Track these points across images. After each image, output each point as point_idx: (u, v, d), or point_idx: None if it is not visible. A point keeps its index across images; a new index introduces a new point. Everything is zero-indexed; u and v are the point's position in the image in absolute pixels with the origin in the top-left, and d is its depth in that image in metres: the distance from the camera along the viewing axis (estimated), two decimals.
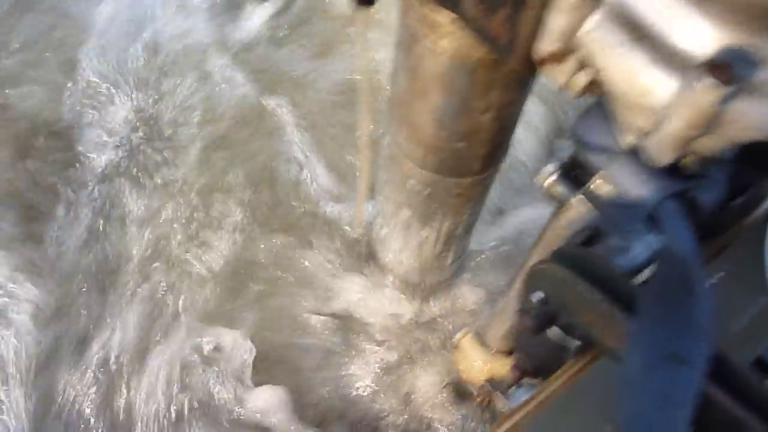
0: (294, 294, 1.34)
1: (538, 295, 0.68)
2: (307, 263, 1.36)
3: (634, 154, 0.66)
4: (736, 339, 0.68)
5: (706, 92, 0.46)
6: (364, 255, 1.32)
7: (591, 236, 0.72)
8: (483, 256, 1.37)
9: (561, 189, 0.75)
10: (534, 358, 0.77)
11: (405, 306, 1.30)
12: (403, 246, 1.18)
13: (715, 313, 0.56)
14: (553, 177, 0.76)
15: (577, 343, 0.70)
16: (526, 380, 0.87)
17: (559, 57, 0.56)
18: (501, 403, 1.21)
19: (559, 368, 0.72)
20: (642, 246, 0.71)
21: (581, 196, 0.72)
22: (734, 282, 0.71)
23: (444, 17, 0.71)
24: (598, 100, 0.68)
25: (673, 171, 0.64)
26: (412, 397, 1.31)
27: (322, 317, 1.31)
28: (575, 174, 0.76)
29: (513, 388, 1.04)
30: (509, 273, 1.36)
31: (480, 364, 1.25)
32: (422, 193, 1.00)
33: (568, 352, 0.75)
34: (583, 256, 0.64)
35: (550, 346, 0.75)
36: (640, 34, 0.50)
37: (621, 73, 0.51)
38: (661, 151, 0.52)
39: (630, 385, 0.55)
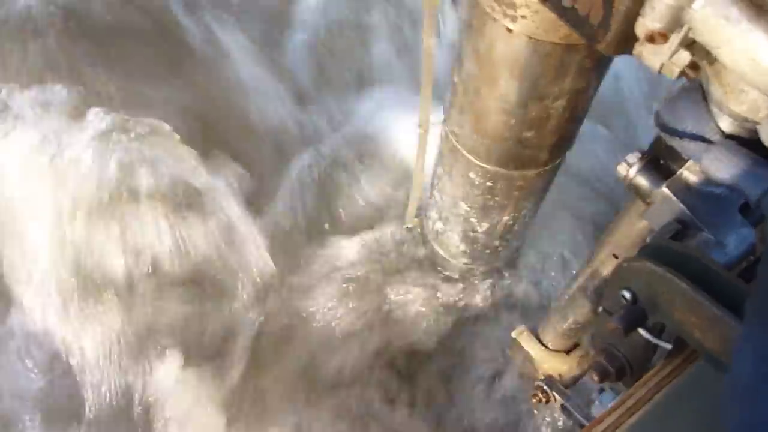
0: None
1: (626, 293, 0.63)
2: None
3: (732, 141, 0.62)
4: None
5: None
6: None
7: (679, 230, 0.67)
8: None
9: (644, 180, 0.71)
10: (617, 359, 0.72)
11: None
12: (459, 240, 1.14)
13: None
14: (636, 167, 0.71)
15: (667, 345, 0.66)
16: (606, 384, 0.82)
17: (663, 36, 0.51)
18: (558, 403, 1.17)
19: (645, 373, 0.68)
20: (736, 240, 0.66)
21: (667, 188, 0.67)
22: None
23: None
24: (687, 85, 0.64)
25: None
26: None
27: None
28: (660, 164, 0.71)
29: (595, 394, 0.99)
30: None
31: (537, 360, 1.21)
32: (483, 187, 0.96)
33: (655, 353, 0.71)
34: (681, 252, 0.60)
35: (636, 347, 0.70)
36: (761, 8, 0.46)
37: (740, 51, 0.47)
38: None
39: (742, 392, 0.50)
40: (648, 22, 0.51)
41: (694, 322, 0.58)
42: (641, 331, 0.64)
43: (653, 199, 0.69)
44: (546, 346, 1.21)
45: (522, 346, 1.22)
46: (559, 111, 0.81)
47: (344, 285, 1.30)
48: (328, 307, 1.29)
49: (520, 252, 1.27)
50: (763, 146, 0.60)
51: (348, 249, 1.35)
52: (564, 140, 0.89)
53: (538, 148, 0.88)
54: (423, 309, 1.28)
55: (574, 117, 0.84)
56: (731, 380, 0.51)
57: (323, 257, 1.33)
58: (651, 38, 0.52)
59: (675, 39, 0.53)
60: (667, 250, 0.60)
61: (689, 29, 0.50)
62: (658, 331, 0.65)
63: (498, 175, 0.93)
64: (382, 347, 1.30)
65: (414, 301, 1.28)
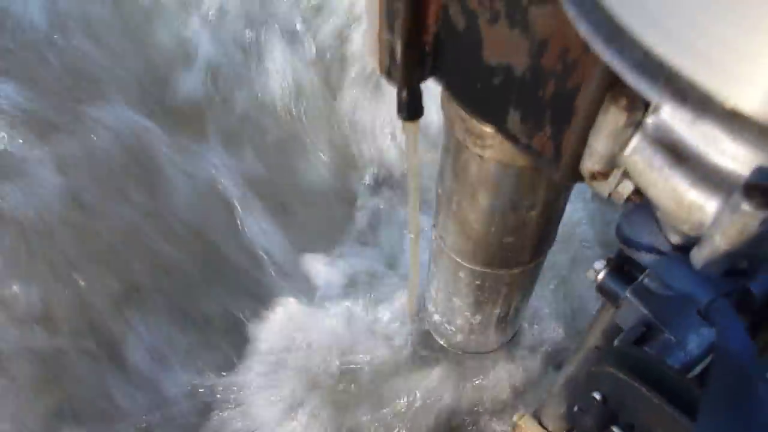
0: None
1: (596, 396, 0.69)
2: None
3: (683, 253, 0.69)
4: None
5: (745, 215, 0.48)
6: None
7: (644, 332, 0.73)
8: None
9: (611, 285, 0.78)
10: None
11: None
12: (455, 330, 1.20)
13: None
14: (602, 273, 0.78)
15: None
16: None
17: (602, 174, 0.59)
18: None
19: None
20: (696, 339, 0.72)
21: (630, 294, 0.74)
22: None
23: (489, 129, 0.75)
24: (641, 202, 0.71)
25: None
26: None
27: None
28: (624, 270, 0.78)
29: None
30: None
31: None
32: (472, 285, 1.03)
33: None
34: (639, 358, 0.66)
35: None
36: (680, 156, 0.53)
37: (664, 191, 0.54)
38: (708, 264, 0.55)
39: None
40: (588, 165, 0.59)
41: (655, 422, 0.64)
42: (614, 429, 0.70)
43: (620, 303, 0.76)
44: (547, 429, 1.26)
45: (523, 430, 1.27)
46: (534, 219, 0.88)
47: None
48: None
49: (518, 334, 1.33)
50: None
51: None
52: (543, 241, 0.97)
53: (520, 250, 0.95)
54: None
55: (549, 222, 0.92)
56: None
57: None
58: (593, 176, 0.60)
59: (615, 176, 0.61)
60: (629, 356, 0.67)
61: (624, 170, 0.58)
62: (630, 429, 0.71)
63: (484, 274, 1.00)
64: None
65: None
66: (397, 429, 1.35)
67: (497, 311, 1.10)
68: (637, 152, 0.55)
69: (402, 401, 1.35)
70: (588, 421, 0.70)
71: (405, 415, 1.34)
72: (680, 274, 0.68)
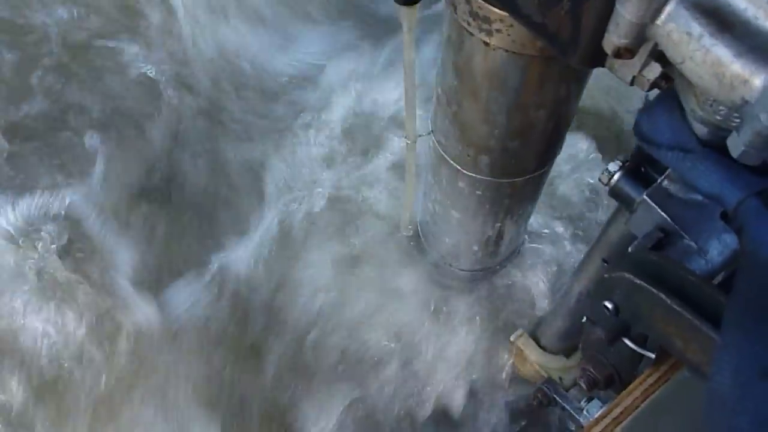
0: None
1: (607, 305, 0.64)
2: None
3: (709, 149, 0.62)
4: None
5: None
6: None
7: (661, 239, 0.67)
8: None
9: (626, 188, 0.71)
10: (604, 368, 0.73)
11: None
12: (453, 245, 1.14)
13: None
14: (617, 176, 0.71)
15: (650, 355, 0.66)
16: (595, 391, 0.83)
17: (629, 51, 0.52)
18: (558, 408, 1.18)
19: (633, 380, 0.69)
20: (719, 246, 0.66)
21: (647, 197, 0.68)
22: None
23: (495, 12, 0.67)
24: (664, 93, 0.64)
25: (755, 167, 0.59)
26: None
27: None
28: (641, 172, 0.71)
29: (584, 402, 0.99)
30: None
31: (536, 363, 1.21)
32: (472, 195, 0.96)
33: (641, 362, 0.71)
34: (658, 263, 0.60)
35: (622, 356, 0.70)
36: (724, 23, 0.46)
37: (704, 66, 0.47)
38: (750, 149, 0.48)
39: (722, 403, 0.51)
40: (614, 39, 0.51)
41: (674, 332, 0.58)
42: (626, 340, 0.65)
43: (635, 207, 0.69)
44: (545, 349, 1.22)
45: (521, 350, 1.23)
46: (542, 120, 0.81)
47: None
48: None
49: (519, 251, 1.27)
50: None
51: None
52: (550, 147, 0.89)
53: (524, 157, 0.88)
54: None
55: (557, 125, 0.84)
56: (710, 390, 0.52)
57: None
58: (618, 54, 0.52)
59: (642, 53, 0.53)
60: (647, 261, 0.61)
61: (655, 44, 0.51)
62: (642, 340, 0.65)
63: (486, 183, 0.93)
64: None
65: None
66: None
67: (498, 224, 1.04)
68: (673, 19, 0.47)
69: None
70: (598, 332, 0.64)
71: None
72: (707, 172, 0.61)
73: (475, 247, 1.11)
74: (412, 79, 0.86)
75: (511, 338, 1.23)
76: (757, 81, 0.45)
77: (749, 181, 0.59)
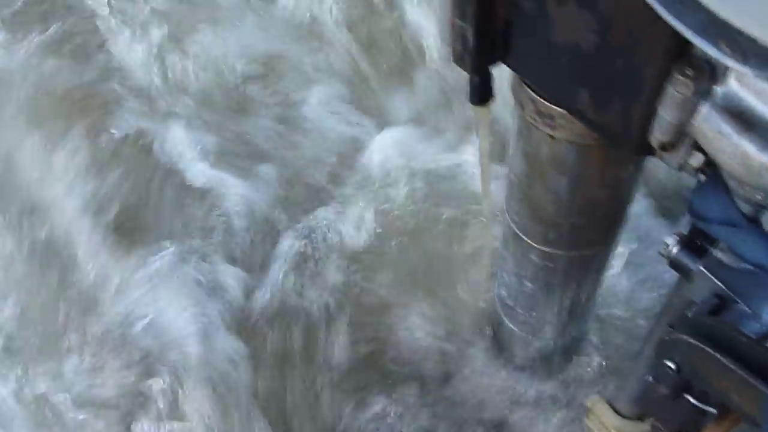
0: None
1: (670, 364, 0.71)
2: None
3: (754, 224, 0.70)
4: None
5: None
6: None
7: (717, 304, 0.74)
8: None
9: (684, 260, 0.79)
10: (670, 425, 0.79)
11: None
12: (527, 315, 1.22)
13: None
14: (675, 249, 0.79)
15: (711, 410, 0.73)
16: None
17: (672, 145, 0.61)
18: None
19: None
20: None
21: (703, 267, 0.75)
22: None
23: (557, 110, 0.78)
24: (712, 175, 0.72)
25: None
26: None
27: None
28: (696, 244, 0.79)
29: None
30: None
31: (613, 428, 1.25)
32: (543, 267, 1.05)
33: (705, 416, 0.77)
34: (713, 325, 0.67)
35: (686, 411, 0.77)
36: (748, 123, 0.55)
37: (735, 158, 0.56)
38: None
39: None
40: (658, 135, 0.62)
41: (730, 387, 0.65)
42: (688, 396, 0.72)
43: (693, 276, 0.77)
44: (620, 414, 1.26)
45: (597, 415, 1.27)
46: (604, 199, 0.90)
47: None
48: None
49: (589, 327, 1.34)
50: None
51: None
52: (614, 222, 0.98)
53: (591, 231, 0.97)
54: None
55: (619, 203, 0.93)
56: None
57: None
58: (663, 147, 0.62)
59: (686, 145, 0.63)
60: (703, 324, 0.68)
61: (693, 139, 0.60)
62: (704, 397, 0.72)
63: (556, 256, 1.02)
64: None
65: None
66: None
67: (569, 293, 1.12)
68: (706, 120, 0.57)
69: None
70: (661, 390, 0.71)
71: None
72: (754, 245, 0.69)
73: (548, 317, 1.19)
74: (487, 166, 0.98)
75: (587, 403, 1.28)
76: None
77: None
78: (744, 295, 0.72)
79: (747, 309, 0.72)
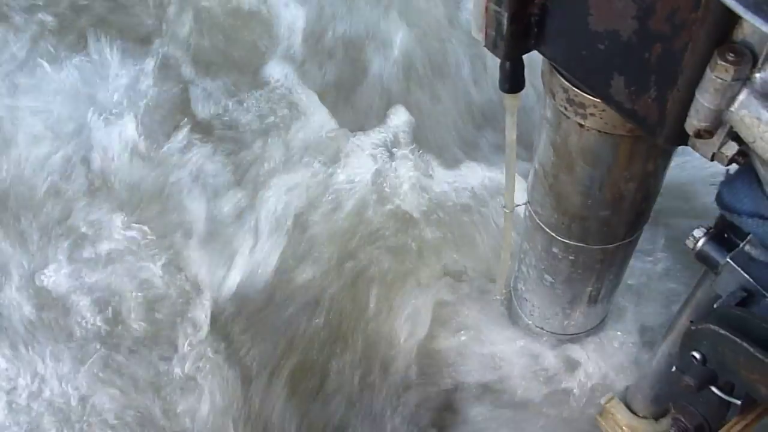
0: None
1: (697, 354, 0.71)
2: None
3: None
4: None
5: None
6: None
7: (745, 298, 0.74)
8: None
9: (711, 252, 0.79)
10: (695, 417, 0.79)
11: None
12: (546, 309, 1.22)
13: None
14: (702, 241, 0.79)
15: (736, 401, 0.72)
16: None
17: (708, 132, 0.61)
18: None
19: (722, 426, 0.74)
20: None
21: (731, 260, 0.75)
22: None
23: (589, 99, 0.78)
24: (743, 167, 0.72)
25: None
26: None
27: None
28: (724, 237, 0.79)
29: None
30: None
31: (626, 427, 1.25)
32: (566, 260, 1.05)
33: (729, 409, 0.77)
34: (741, 317, 0.67)
35: (710, 404, 0.76)
36: None
37: None
38: None
39: None
40: (695, 122, 0.61)
41: (758, 379, 0.65)
42: (713, 388, 0.71)
43: (720, 270, 0.77)
44: (635, 413, 1.26)
45: (611, 414, 1.27)
46: (632, 192, 0.90)
47: None
48: None
49: (606, 319, 1.33)
50: None
51: None
52: (639, 216, 0.98)
53: (616, 225, 0.97)
54: None
55: (646, 196, 0.93)
56: None
57: None
58: (698, 134, 0.62)
59: (720, 134, 0.63)
60: (731, 315, 0.68)
61: (731, 126, 0.60)
62: (728, 389, 0.72)
63: (579, 249, 1.02)
64: None
65: None
66: None
67: (589, 289, 1.12)
68: (745, 106, 0.57)
69: None
70: (687, 381, 0.71)
71: None
72: None
73: (568, 311, 1.19)
74: (513, 156, 0.98)
75: (602, 401, 1.28)
76: None
77: None
78: None
79: None
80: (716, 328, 0.67)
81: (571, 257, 1.04)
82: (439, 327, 1.45)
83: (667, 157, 0.88)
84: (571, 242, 1.01)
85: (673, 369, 0.76)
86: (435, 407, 1.43)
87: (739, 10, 0.43)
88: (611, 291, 1.18)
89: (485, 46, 0.80)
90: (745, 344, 0.64)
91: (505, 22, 0.74)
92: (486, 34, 0.78)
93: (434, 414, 1.42)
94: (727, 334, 0.66)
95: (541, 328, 1.28)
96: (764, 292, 0.73)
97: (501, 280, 1.26)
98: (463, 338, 1.42)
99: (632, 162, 0.85)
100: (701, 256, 0.80)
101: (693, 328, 0.70)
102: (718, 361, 0.69)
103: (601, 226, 0.97)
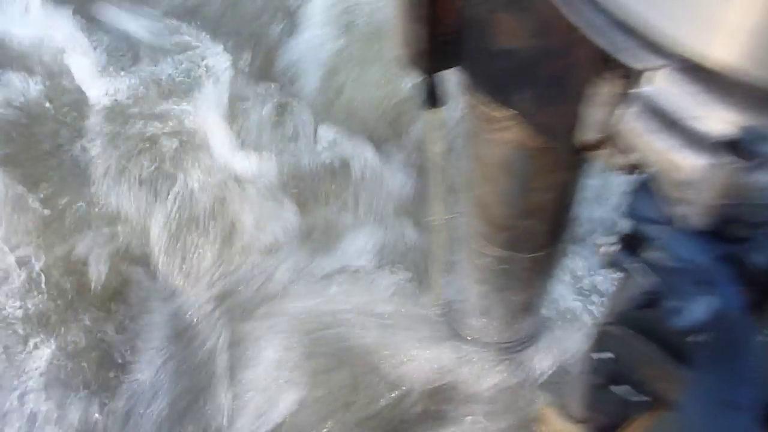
0: None
1: (606, 355, 0.74)
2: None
3: (682, 223, 0.74)
4: None
5: (729, 168, 0.54)
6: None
7: (651, 300, 0.78)
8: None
9: (621, 258, 0.83)
10: (605, 416, 0.82)
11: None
12: (479, 317, 1.25)
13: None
14: (612, 248, 0.83)
15: (644, 398, 0.76)
16: None
17: (600, 144, 0.65)
18: None
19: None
20: (699, 306, 0.76)
21: (636, 265, 0.79)
22: None
23: (502, 113, 0.81)
24: (645, 177, 0.76)
25: (721, 236, 0.71)
26: None
27: None
28: (631, 243, 0.83)
29: None
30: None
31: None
32: (496, 269, 1.09)
33: (638, 408, 0.80)
34: (642, 318, 0.71)
35: (618, 402, 0.80)
36: (669, 122, 0.59)
37: (656, 154, 0.60)
38: (699, 218, 0.60)
39: (691, 430, 0.61)
40: (588, 135, 0.65)
41: (658, 375, 0.69)
42: (621, 387, 0.75)
43: (628, 275, 0.81)
44: (571, 418, 1.29)
45: (548, 419, 1.30)
46: (551, 202, 0.94)
47: None
48: None
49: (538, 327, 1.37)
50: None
51: None
52: (561, 225, 1.02)
53: (539, 233, 1.01)
54: None
55: (565, 205, 0.97)
56: (683, 421, 0.62)
57: None
58: (593, 146, 0.66)
59: (613, 146, 0.67)
60: (632, 316, 0.72)
61: (620, 137, 0.64)
62: (636, 387, 0.75)
63: (506, 258, 1.05)
64: None
65: None
66: None
67: (520, 297, 1.16)
68: (632, 120, 0.61)
69: None
70: (596, 380, 0.75)
71: None
72: (683, 242, 0.73)
73: (499, 319, 1.23)
74: (438, 169, 1.01)
75: (539, 407, 1.31)
76: (696, 166, 0.58)
77: (714, 249, 0.70)
78: (675, 291, 0.76)
79: (677, 304, 0.76)
80: (620, 329, 0.70)
81: (500, 266, 1.08)
82: None
83: (580, 168, 0.92)
84: (499, 252, 1.04)
85: (584, 370, 0.79)
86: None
87: (589, 32, 0.47)
88: (541, 298, 1.21)
89: (407, 63, 0.83)
90: (642, 343, 0.68)
91: (423, 40, 0.78)
92: (407, 52, 0.82)
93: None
94: (629, 333, 0.69)
95: (477, 338, 1.31)
96: (667, 295, 0.77)
97: (435, 290, 1.29)
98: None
99: (547, 173, 0.89)
100: (612, 263, 0.84)
101: (600, 329, 0.73)
102: (623, 361, 0.73)
103: (526, 235, 1.00)
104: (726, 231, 0.72)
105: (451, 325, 1.37)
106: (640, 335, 0.70)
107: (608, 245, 0.84)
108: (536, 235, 1.00)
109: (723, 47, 0.48)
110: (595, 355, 0.76)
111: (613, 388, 0.75)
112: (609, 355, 0.74)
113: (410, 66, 0.83)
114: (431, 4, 0.73)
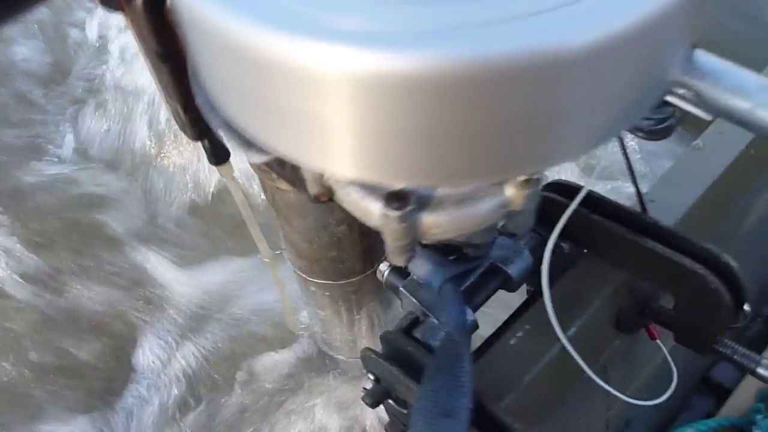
0: None
1: (370, 375, 0.83)
2: None
3: (425, 249, 0.83)
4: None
5: (391, 215, 0.62)
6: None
7: (415, 318, 0.86)
8: None
9: (394, 281, 0.91)
10: (398, 428, 0.91)
11: None
12: (334, 337, 1.33)
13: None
14: (386, 272, 0.92)
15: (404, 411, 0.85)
16: None
17: (324, 195, 0.74)
18: None
19: None
20: (455, 321, 0.85)
21: (402, 288, 0.88)
22: (533, 335, 0.85)
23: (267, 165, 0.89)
24: None
25: (453, 258, 0.80)
26: None
27: None
28: (402, 268, 0.92)
29: None
30: None
31: None
32: (324, 297, 1.17)
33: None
34: (391, 340, 0.80)
35: (393, 416, 0.89)
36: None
37: (350, 203, 0.69)
38: (393, 256, 0.68)
39: None
40: (311, 189, 0.74)
41: (405, 391, 0.77)
42: (388, 403, 0.84)
43: (399, 296, 0.90)
44: None
45: None
46: (346, 233, 1.02)
47: None
48: None
49: None
50: (452, 246, 0.82)
51: None
52: (368, 252, 1.10)
53: (348, 261, 1.09)
54: None
55: (362, 234, 1.06)
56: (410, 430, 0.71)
57: None
58: (317, 199, 0.74)
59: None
60: (386, 340, 0.81)
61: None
62: (398, 402, 0.84)
63: (329, 286, 1.13)
64: None
65: None
66: None
67: (358, 317, 1.24)
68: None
69: None
70: (367, 399, 0.83)
71: None
72: (421, 266, 0.82)
73: (350, 337, 1.31)
74: (248, 212, 1.08)
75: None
76: (376, 210, 0.66)
77: (444, 271, 0.80)
78: (433, 309, 0.85)
79: (435, 321, 0.85)
80: (369, 353, 0.79)
81: (327, 293, 1.16)
82: None
83: None
84: (319, 281, 1.12)
85: (362, 389, 0.88)
86: None
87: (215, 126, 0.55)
88: (381, 316, 1.30)
89: (180, 129, 0.91)
90: (387, 364, 0.77)
91: (180, 112, 0.85)
92: (175, 121, 0.89)
93: None
94: (377, 357, 0.78)
95: (336, 355, 1.39)
96: (428, 313, 0.86)
97: (289, 320, 1.37)
98: None
99: (331, 211, 0.97)
100: (388, 285, 0.92)
101: (362, 354, 0.82)
102: (384, 380, 0.81)
103: (336, 264, 1.08)
104: (460, 253, 0.81)
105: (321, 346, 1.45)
106: (383, 356, 0.79)
107: (384, 269, 0.93)
108: (345, 263, 1.09)
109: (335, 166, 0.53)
110: (368, 375, 0.84)
111: (384, 404, 0.84)
112: (373, 375, 0.83)
113: (183, 132, 0.90)
114: (174, 82, 0.81)
